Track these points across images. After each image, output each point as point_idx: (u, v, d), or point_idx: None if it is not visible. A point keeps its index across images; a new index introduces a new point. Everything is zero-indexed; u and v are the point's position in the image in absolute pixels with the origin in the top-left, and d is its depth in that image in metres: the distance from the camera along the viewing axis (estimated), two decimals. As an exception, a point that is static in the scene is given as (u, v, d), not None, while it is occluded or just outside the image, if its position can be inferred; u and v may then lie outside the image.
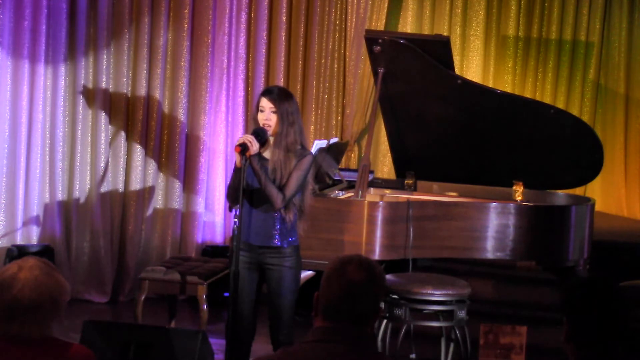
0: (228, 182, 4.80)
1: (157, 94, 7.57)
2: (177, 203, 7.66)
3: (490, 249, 6.02)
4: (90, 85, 7.37)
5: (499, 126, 6.68)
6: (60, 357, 2.77)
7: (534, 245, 6.13)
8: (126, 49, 7.44)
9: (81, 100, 7.33)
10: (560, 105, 8.32)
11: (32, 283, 2.75)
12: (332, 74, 8.17)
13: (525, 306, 6.86)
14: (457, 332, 5.40)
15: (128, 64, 7.47)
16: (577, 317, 2.74)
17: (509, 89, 8.47)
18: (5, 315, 2.75)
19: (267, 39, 7.94)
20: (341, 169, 7.02)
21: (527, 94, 8.44)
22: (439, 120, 6.77)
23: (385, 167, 8.39)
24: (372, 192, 6.77)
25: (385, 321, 5.49)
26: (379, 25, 8.19)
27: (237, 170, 4.60)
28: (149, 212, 7.60)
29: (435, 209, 5.95)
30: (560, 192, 6.93)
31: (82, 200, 7.33)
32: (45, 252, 6.90)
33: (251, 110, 7.49)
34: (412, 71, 6.54)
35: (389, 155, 7.67)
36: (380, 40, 6.39)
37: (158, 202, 7.65)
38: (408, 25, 8.53)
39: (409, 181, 6.89)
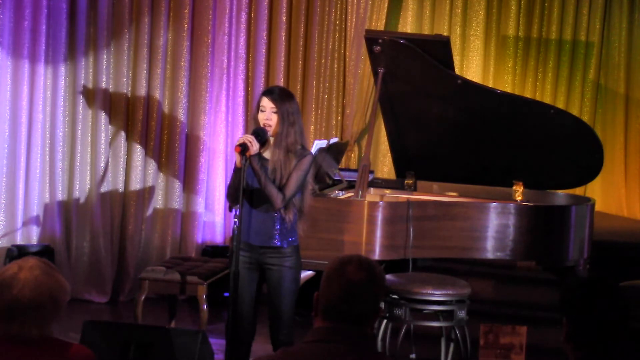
0: (228, 182, 4.80)
1: (157, 94, 7.57)
2: (177, 203, 7.66)
3: (490, 249, 6.02)
4: (90, 85, 7.37)
5: (499, 126, 6.68)
6: (60, 357, 2.77)
7: (534, 245, 6.13)
8: (126, 49, 7.44)
9: (81, 100, 7.33)
10: (560, 105, 8.32)
11: (33, 283, 2.76)
12: (332, 74, 8.17)
13: (525, 306, 6.86)
14: (457, 332, 5.40)
15: (128, 64, 7.47)
16: (577, 317, 2.74)
17: (509, 89, 8.47)
18: (5, 315, 2.75)
19: (267, 39, 7.94)
20: (341, 169, 7.02)
21: (527, 94, 8.44)
22: (439, 120, 6.77)
23: (385, 167, 8.39)
24: (372, 192, 6.77)
25: (385, 321, 5.49)
26: (379, 25, 8.19)
27: (237, 170, 4.60)
28: (149, 212, 7.60)
29: (435, 209, 5.95)
30: (560, 192, 6.93)
31: (82, 200, 7.33)
32: (45, 252, 6.90)
33: (251, 110, 7.51)
34: (412, 71, 6.54)
35: (389, 155, 7.67)
36: (380, 40, 6.39)
37: (158, 202, 7.65)
38: (408, 25, 8.53)
39: (409, 181, 6.89)
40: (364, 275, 2.61)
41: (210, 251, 7.50)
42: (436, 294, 5.38)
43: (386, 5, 8.24)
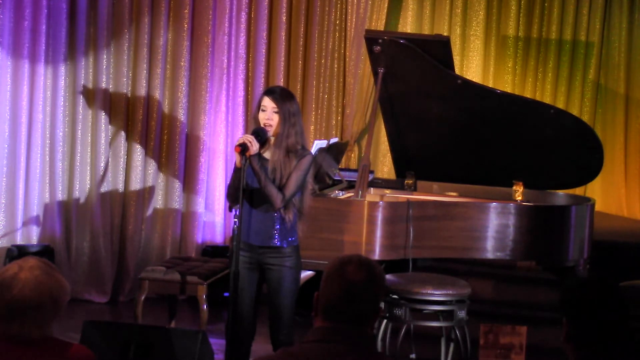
0: (228, 182, 4.80)
1: (157, 94, 7.57)
2: (177, 203, 7.66)
3: (490, 249, 6.02)
4: (90, 85, 7.37)
5: (499, 126, 6.68)
6: (60, 357, 2.77)
7: (534, 245, 6.13)
8: (126, 49, 7.44)
9: (81, 100, 7.33)
10: (560, 105, 8.32)
11: (33, 283, 2.75)
12: (332, 74, 8.17)
13: (525, 306, 6.86)
14: (457, 332, 5.40)
15: (128, 64, 7.47)
16: (577, 317, 2.74)
17: (509, 89, 8.47)
18: (5, 315, 2.75)
19: (267, 39, 7.94)
20: (341, 169, 7.02)
21: (527, 94, 8.44)
22: (439, 120, 6.77)
23: (385, 167, 8.39)
24: (372, 192, 6.77)
25: (385, 321, 5.49)
26: (379, 25, 8.19)
27: (237, 170, 4.60)
28: (149, 212, 7.60)
29: (435, 209, 5.95)
30: (560, 192, 6.93)
31: (82, 200, 7.33)
32: (45, 252, 6.90)
33: (251, 110, 7.52)
34: (412, 71, 6.54)
35: (389, 155, 7.67)
36: (380, 40, 6.39)
37: (158, 202, 7.65)
38: (408, 25, 8.53)
39: (409, 181, 6.89)
40: (364, 275, 2.61)
41: (210, 251, 7.50)
42: (436, 294, 5.38)
43: (386, 5, 8.24)
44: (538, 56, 8.65)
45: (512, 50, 8.63)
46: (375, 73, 6.52)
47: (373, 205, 5.70)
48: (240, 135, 6.81)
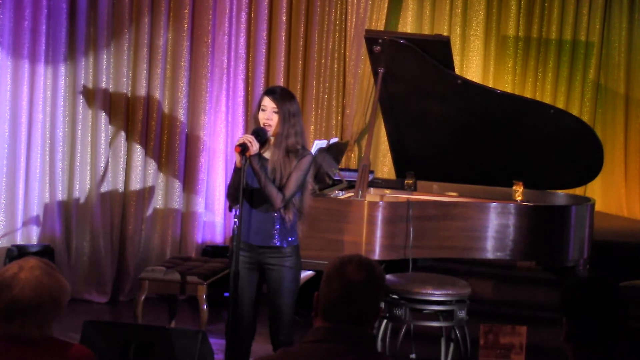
0: (228, 182, 4.80)
1: (157, 94, 7.57)
2: (177, 203, 7.66)
3: (490, 249, 6.02)
4: (90, 85, 7.37)
5: (499, 126, 6.68)
6: (60, 357, 2.78)
7: (534, 245, 6.13)
8: (126, 49, 7.44)
9: (81, 100, 7.33)
10: (560, 105, 8.32)
11: (33, 283, 2.75)
12: (332, 74, 8.17)
13: (525, 306, 6.86)
14: (457, 332, 5.40)
15: (128, 64, 7.47)
16: (577, 317, 2.74)
17: (509, 89, 8.47)
18: (5, 315, 2.75)
19: (267, 39, 7.94)
20: (341, 169, 7.02)
21: (527, 94, 8.44)
22: (439, 120, 6.77)
23: (385, 167, 8.39)
24: (372, 192, 6.77)
25: (385, 321, 5.48)
26: (379, 25, 8.19)
27: (237, 170, 4.60)
28: (149, 212, 7.60)
29: (435, 209, 5.95)
30: (560, 192, 6.93)
31: (82, 200, 7.33)
32: (45, 252, 6.90)
33: (251, 110, 7.52)
34: (412, 71, 6.54)
35: (389, 155, 7.67)
36: (380, 40, 6.39)
37: (158, 202, 7.65)
38: (408, 25, 8.53)
39: (409, 181, 6.89)
40: (364, 275, 2.61)
41: (210, 251, 7.50)
42: (436, 294, 5.38)
43: (386, 5, 8.24)
44: (538, 56, 8.65)
45: (512, 50, 8.63)
46: (375, 73, 6.52)
47: (373, 205, 5.70)
48: (240, 135, 6.80)
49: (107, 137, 7.39)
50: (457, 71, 7.37)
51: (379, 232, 5.66)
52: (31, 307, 2.75)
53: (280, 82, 7.88)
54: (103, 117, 7.36)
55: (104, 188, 7.39)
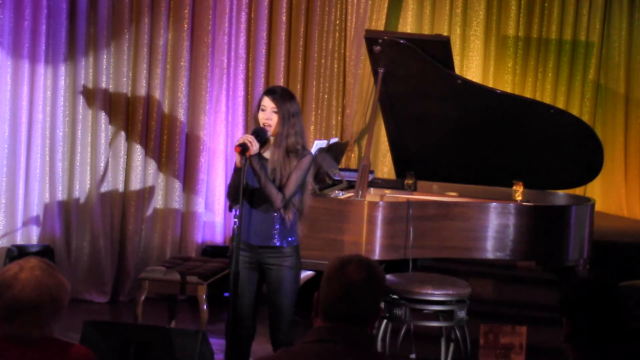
0: (228, 182, 4.80)
1: (157, 94, 7.57)
2: (177, 203, 7.66)
3: (490, 249, 6.02)
4: (90, 85, 7.37)
5: (499, 126, 6.68)
6: (60, 357, 2.77)
7: (534, 245, 6.13)
8: (126, 49, 7.44)
9: (81, 100, 7.33)
10: (560, 105, 8.32)
11: (33, 283, 2.75)
12: (332, 74, 8.17)
13: (525, 306, 6.86)
14: (457, 332, 5.40)
15: (128, 64, 7.47)
16: (577, 317, 2.73)
17: (509, 89, 8.47)
18: (6, 315, 2.75)
19: (267, 39, 7.94)
20: (341, 169, 7.02)
21: (527, 94, 8.44)
22: (439, 120, 6.77)
23: (385, 167, 8.39)
24: (372, 192, 6.77)
25: (385, 321, 5.48)
26: (379, 25, 8.19)
27: (237, 170, 4.60)
28: (149, 212, 7.60)
29: (435, 209, 5.95)
30: (560, 192, 6.93)
31: (82, 200, 7.33)
32: (45, 252, 6.90)
33: (251, 110, 7.53)
34: (412, 71, 6.54)
35: (389, 155, 7.67)
36: (380, 40, 6.39)
37: (158, 202, 7.65)
38: (408, 25, 8.53)
39: (409, 181, 6.89)
40: (364, 275, 2.61)
41: (210, 251, 7.50)
42: (436, 294, 5.38)
43: (386, 5, 8.24)
44: (538, 56, 8.65)
45: (512, 50, 8.63)
46: (375, 73, 6.52)
47: (373, 205, 5.70)
48: (240, 135, 6.81)
49: (107, 137, 7.39)
50: (457, 71, 7.37)
51: (379, 232, 5.66)
52: (31, 307, 2.75)
53: (280, 82, 7.88)
54: (103, 117, 7.36)
55: (104, 188, 7.39)
